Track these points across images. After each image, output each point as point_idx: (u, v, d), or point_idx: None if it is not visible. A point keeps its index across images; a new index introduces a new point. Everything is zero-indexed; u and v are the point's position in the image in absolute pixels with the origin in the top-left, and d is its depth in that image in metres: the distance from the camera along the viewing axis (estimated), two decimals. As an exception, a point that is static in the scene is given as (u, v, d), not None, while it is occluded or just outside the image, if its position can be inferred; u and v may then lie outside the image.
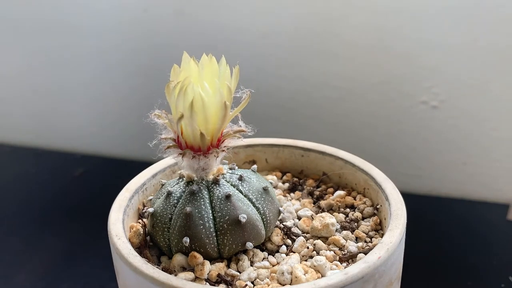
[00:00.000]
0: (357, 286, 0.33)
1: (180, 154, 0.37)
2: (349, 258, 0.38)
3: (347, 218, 0.42)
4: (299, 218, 0.43)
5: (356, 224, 0.42)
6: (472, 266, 0.60)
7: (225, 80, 0.37)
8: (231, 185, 0.38)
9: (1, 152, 0.92)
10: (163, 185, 0.41)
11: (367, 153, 0.51)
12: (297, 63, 0.71)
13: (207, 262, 0.36)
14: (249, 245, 0.37)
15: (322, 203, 0.44)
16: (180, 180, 0.40)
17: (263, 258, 0.38)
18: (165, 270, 0.37)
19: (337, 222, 0.42)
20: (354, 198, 0.45)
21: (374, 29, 0.66)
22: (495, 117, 0.66)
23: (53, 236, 0.68)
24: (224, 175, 0.39)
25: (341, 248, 0.39)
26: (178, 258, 0.37)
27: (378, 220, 0.42)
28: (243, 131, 0.38)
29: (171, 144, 0.37)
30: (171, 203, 0.38)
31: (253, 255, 0.38)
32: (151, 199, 0.42)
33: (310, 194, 0.46)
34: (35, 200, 0.77)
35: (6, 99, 0.91)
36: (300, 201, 0.45)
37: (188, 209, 0.36)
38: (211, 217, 0.37)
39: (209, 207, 0.37)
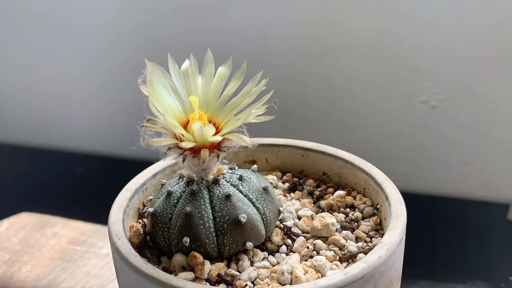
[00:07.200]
0: (357, 286, 0.33)
1: (181, 155, 0.37)
2: (349, 258, 0.38)
3: (347, 218, 0.42)
4: (299, 218, 0.43)
5: (356, 224, 0.42)
6: (472, 266, 0.60)
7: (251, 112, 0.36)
8: (231, 185, 0.38)
9: (1, 152, 0.92)
10: (163, 185, 0.41)
11: (367, 153, 0.51)
12: (296, 63, 0.71)
13: (207, 262, 0.36)
14: (249, 245, 0.37)
15: (322, 203, 0.44)
16: (180, 180, 0.40)
17: (263, 258, 0.38)
18: (165, 270, 0.37)
19: (337, 222, 0.42)
20: (354, 198, 0.45)
21: (374, 29, 0.66)
22: (495, 117, 0.66)
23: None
24: (224, 175, 0.39)
25: (341, 248, 0.39)
26: (178, 258, 0.37)
27: (378, 220, 0.42)
28: (248, 145, 0.37)
29: (171, 146, 0.37)
30: (171, 203, 0.38)
31: (253, 255, 0.38)
32: (151, 199, 0.42)
33: (310, 194, 0.46)
34: (35, 200, 0.77)
35: (6, 99, 0.91)
36: (300, 201, 0.45)
37: (188, 209, 0.36)
38: (211, 217, 0.37)
39: (209, 207, 0.37)
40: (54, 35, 0.81)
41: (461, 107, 0.66)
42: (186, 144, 0.35)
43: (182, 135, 0.35)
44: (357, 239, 0.40)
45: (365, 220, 0.42)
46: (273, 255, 0.39)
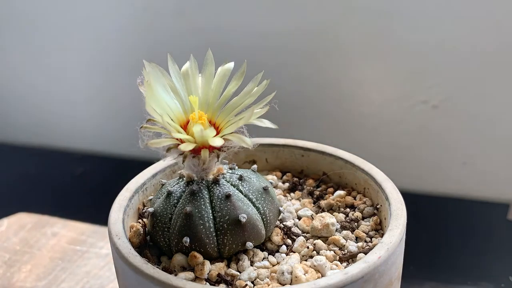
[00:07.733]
0: (357, 286, 0.33)
1: (181, 155, 0.37)
2: (349, 258, 0.38)
3: (347, 218, 0.42)
4: (299, 218, 0.43)
5: (356, 224, 0.42)
6: (472, 266, 0.60)
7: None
8: (231, 185, 0.38)
9: (1, 152, 0.92)
10: (163, 185, 0.41)
11: (367, 153, 0.51)
12: (296, 63, 0.71)
13: (207, 262, 0.36)
14: (249, 245, 0.37)
15: (322, 203, 0.44)
16: (180, 180, 0.40)
17: (263, 258, 0.38)
18: (165, 270, 0.37)
19: (337, 222, 0.42)
20: (354, 198, 0.45)
21: (373, 29, 0.66)
22: (495, 116, 0.66)
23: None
24: (224, 175, 0.39)
25: (341, 248, 0.39)
26: (178, 258, 0.37)
27: (378, 220, 0.42)
28: (249, 146, 0.37)
29: (171, 146, 0.37)
30: (171, 203, 0.38)
31: (253, 255, 0.38)
32: (151, 199, 0.42)
33: (310, 194, 0.46)
34: (35, 200, 0.77)
35: (6, 99, 0.91)
36: (300, 201, 0.45)
37: (188, 209, 0.36)
38: (211, 217, 0.37)
39: (209, 207, 0.37)
40: (54, 35, 0.81)
41: (461, 107, 0.66)
42: (186, 147, 0.35)
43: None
44: (357, 239, 0.40)
45: (365, 220, 0.42)
46: (273, 255, 0.39)
